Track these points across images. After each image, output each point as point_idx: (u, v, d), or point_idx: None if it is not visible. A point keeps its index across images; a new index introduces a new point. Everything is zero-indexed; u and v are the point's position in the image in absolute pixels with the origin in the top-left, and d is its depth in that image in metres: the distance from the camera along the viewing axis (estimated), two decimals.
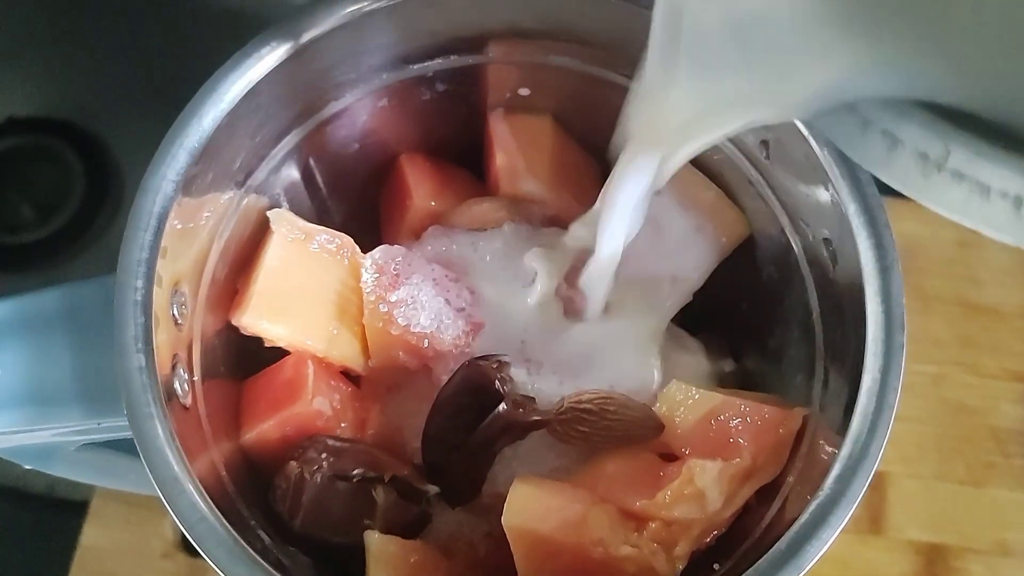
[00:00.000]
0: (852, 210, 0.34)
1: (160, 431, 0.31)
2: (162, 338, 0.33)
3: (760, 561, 0.31)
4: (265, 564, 0.31)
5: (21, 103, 0.69)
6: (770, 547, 0.31)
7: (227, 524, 0.31)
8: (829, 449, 0.34)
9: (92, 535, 0.58)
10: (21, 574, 0.60)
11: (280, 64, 0.37)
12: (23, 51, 0.71)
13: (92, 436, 0.36)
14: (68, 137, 0.68)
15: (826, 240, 0.37)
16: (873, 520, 0.57)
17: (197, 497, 0.31)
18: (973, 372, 0.60)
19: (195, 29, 0.69)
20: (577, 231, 0.41)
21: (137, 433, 0.31)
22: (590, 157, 0.46)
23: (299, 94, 0.40)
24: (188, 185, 0.35)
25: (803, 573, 0.30)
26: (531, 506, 0.36)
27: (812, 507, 0.31)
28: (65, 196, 0.66)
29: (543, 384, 0.41)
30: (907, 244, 0.64)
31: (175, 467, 0.31)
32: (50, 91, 0.71)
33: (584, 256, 0.43)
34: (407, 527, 0.39)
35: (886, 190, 0.62)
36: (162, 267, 0.34)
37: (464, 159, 0.47)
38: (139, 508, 0.58)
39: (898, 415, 0.58)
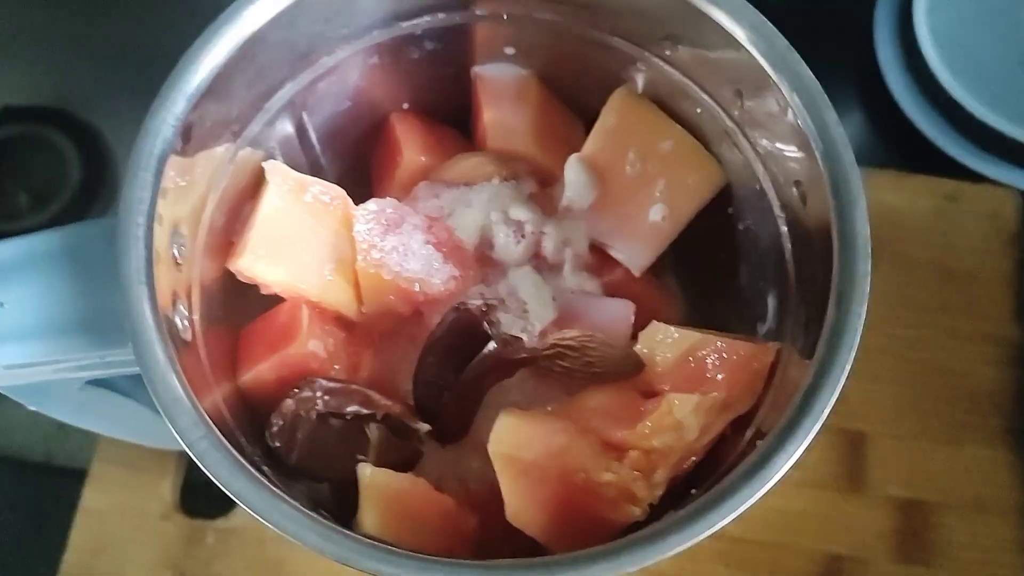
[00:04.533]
0: (820, 149, 0.36)
1: (161, 355, 0.33)
2: (162, 274, 0.35)
3: (731, 474, 0.32)
4: (263, 479, 0.32)
5: (16, 92, 0.70)
6: None
7: (226, 442, 0.32)
8: (798, 378, 0.35)
9: (92, 498, 0.59)
10: (23, 539, 0.62)
11: (275, 16, 0.38)
12: (17, 41, 0.73)
13: (97, 372, 0.38)
14: (63, 125, 0.69)
15: (797, 182, 0.38)
16: (853, 478, 0.59)
17: (198, 416, 0.32)
18: (951, 335, 0.62)
19: (188, 18, 0.70)
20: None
21: (140, 358, 0.33)
22: (573, 114, 0.48)
23: (293, 48, 0.41)
24: (187, 130, 0.36)
25: (771, 484, 0.32)
26: (516, 435, 0.37)
27: (780, 424, 0.33)
28: (60, 184, 0.68)
29: (529, 326, 0.43)
30: (886, 213, 0.66)
31: (177, 388, 0.32)
32: (45, 80, 0.72)
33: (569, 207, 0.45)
34: (399, 463, 0.40)
35: (865, 160, 0.64)
36: (162, 207, 0.35)
37: (452, 118, 0.49)
38: (138, 471, 0.60)
39: (878, 377, 0.60)
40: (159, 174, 0.35)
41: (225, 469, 0.32)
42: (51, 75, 0.72)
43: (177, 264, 0.37)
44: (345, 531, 0.31)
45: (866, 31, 0.68)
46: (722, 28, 0.38)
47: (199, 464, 0.32)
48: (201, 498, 0.60)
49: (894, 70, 0.67)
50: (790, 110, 0.37)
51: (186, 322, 0.37)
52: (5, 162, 0.69)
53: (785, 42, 0.37)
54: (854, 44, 0.70)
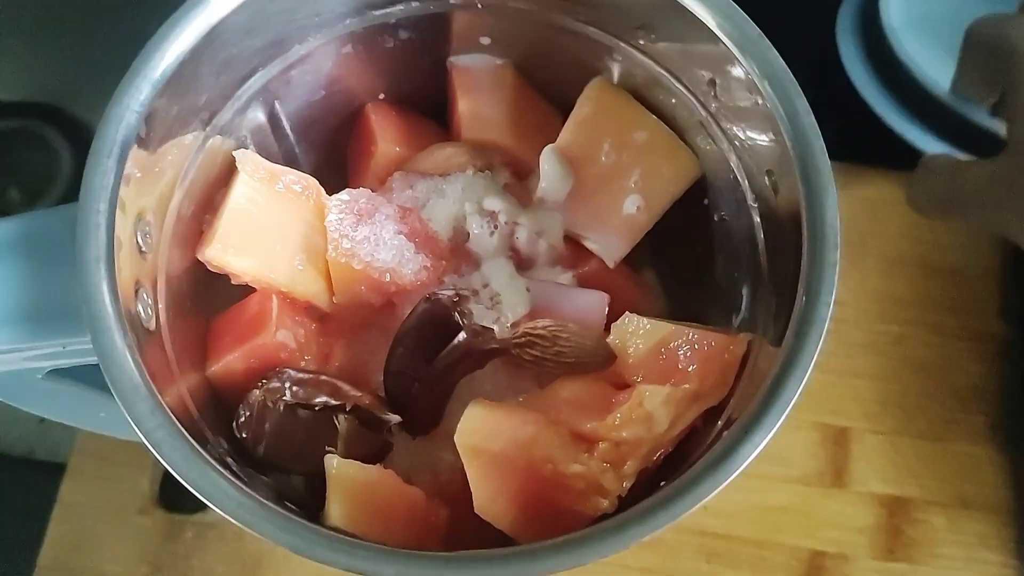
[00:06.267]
0: (790, 136, 0.35)
1: (119, 341, 0.32)
2: (124, 261, 0.34)
3: (696, 464, 0.32)
4: (221, 469, 0.32)
5: (7, 87, 0.70)
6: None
7: (185, 431, 0.32)
8: (768, 368, 0.35)
9: (70, 492, 0.59)
10: (3, 533, 0.61)
11: (243, 2, 0.37)
12: (8, 36, 0.73)
13: (60, 361, 0.37)
14: (54, 121, 0.69)
15: (769, 171, 0.38)
16: (837, 474, 0.58)
17: (155, 404, 0.32)
18: (935, 332, 0.61)
19: None
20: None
21: (97, 345, 0.32)
22: (549, 104, 0.48)
23: (263, 33, 0.41)
24: (151, 117, 0.36)
25: (736, 474, 0.31)
26: (483, 426, 0.37)
27: (746, 414, 0.32)
28: (52, 179, 0.68)
29: (501, 317, 0.42)
30: (871, 209, 0.65)
31: (135, 375, 0.32)
32: (36, 76, 0.72)
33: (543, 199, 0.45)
34: (369, 455, 0.40)
35: (848, 155, 0.63)
36: (126, 194, 0.35)
37: (429, 108, 0.49)
38: (116, 465, 0.59)
39: (861, 373, 0.60)
40: (122, 161, 0.35)
41: (181, 458, 0.31)
42: (44, 71, 0.72)
43: (141, 252, 0.37)
44: (303, 521, 0.31)
45: (830, 39, 0.68)
46: (694, 16, 0.38)
47: (153, 452, 0.31)
48: (179, 493, 0.59)
49: (860, 70, 0.66)
50: (760, 97, 0.37)
51: (150, 311, 0.37)
52: None
53: (757, 29, 0.37)
54: (822, 49, 0.69)
